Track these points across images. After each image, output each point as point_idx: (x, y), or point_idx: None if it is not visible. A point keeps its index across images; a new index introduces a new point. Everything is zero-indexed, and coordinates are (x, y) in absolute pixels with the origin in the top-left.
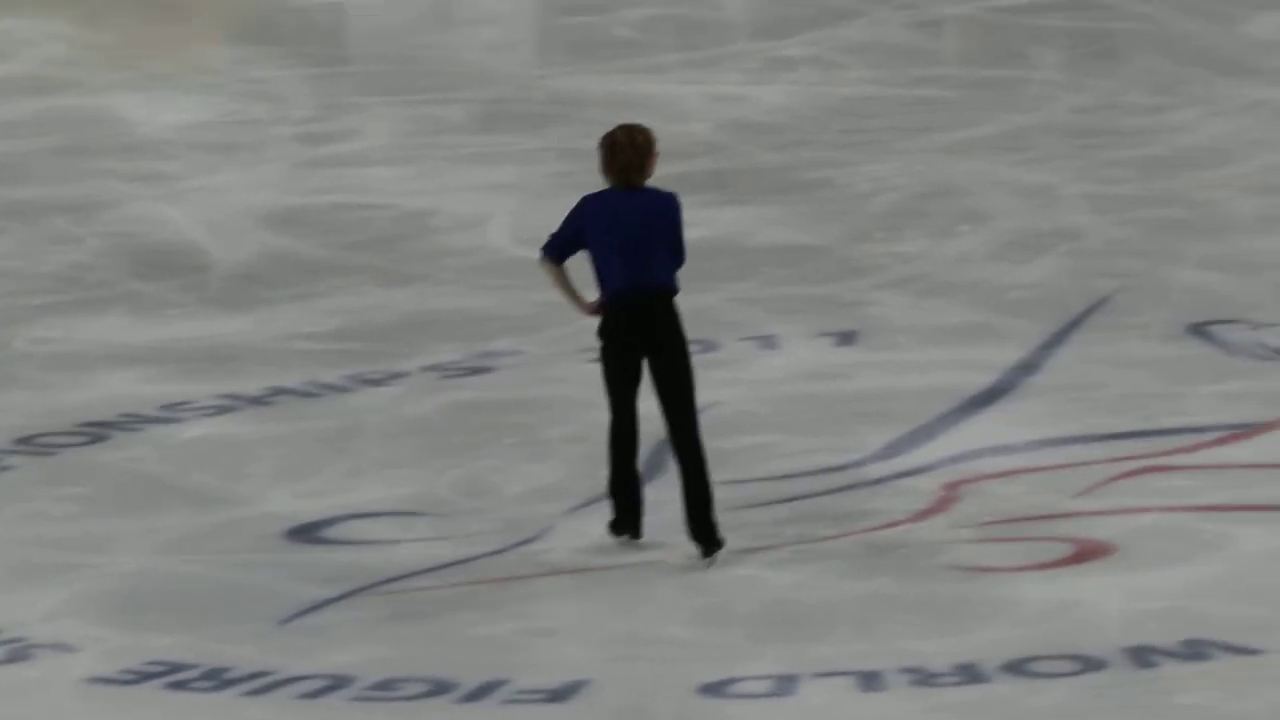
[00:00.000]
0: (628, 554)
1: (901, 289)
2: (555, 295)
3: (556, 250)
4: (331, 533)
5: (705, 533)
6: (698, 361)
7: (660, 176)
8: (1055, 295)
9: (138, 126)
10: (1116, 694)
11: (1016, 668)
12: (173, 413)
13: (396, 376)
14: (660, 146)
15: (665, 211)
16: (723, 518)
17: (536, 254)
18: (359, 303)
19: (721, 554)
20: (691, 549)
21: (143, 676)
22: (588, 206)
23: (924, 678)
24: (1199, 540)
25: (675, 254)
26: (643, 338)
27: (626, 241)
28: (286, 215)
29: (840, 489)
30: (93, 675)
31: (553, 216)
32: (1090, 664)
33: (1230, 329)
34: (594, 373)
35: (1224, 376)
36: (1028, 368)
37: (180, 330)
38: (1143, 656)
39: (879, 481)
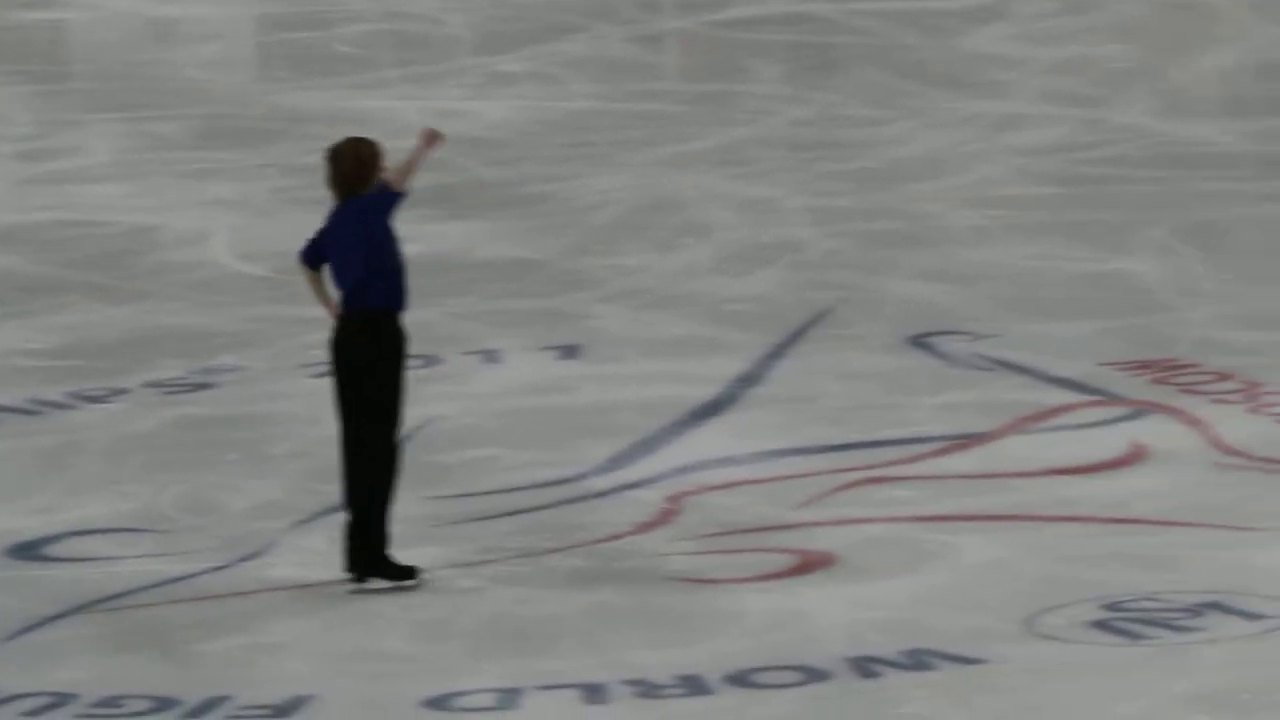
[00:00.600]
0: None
1: (623, 302)
2: (290, 308)
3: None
4: (54, 550)
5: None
6: (420, 376)
7: None
8: (776, 308)
9: None
10: (840, 704)
11: (740, 679)
12: None
13: (118, 393)
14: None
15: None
16: (445, 532)
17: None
18: (80, 319)
19: (445, 569)
20: (415, 563)
21: None
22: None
23: (648, 689)
24: (921, 550)
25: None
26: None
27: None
28: (5, 232)
29: (563, 502)
30: None
31: (274, 232)
32: (814, 674)
33: (949, 340)
34: (317, 388)
35: (944, 387)
36: (750, 380)
37: None
38: (866, 667)
39: (602, 494)
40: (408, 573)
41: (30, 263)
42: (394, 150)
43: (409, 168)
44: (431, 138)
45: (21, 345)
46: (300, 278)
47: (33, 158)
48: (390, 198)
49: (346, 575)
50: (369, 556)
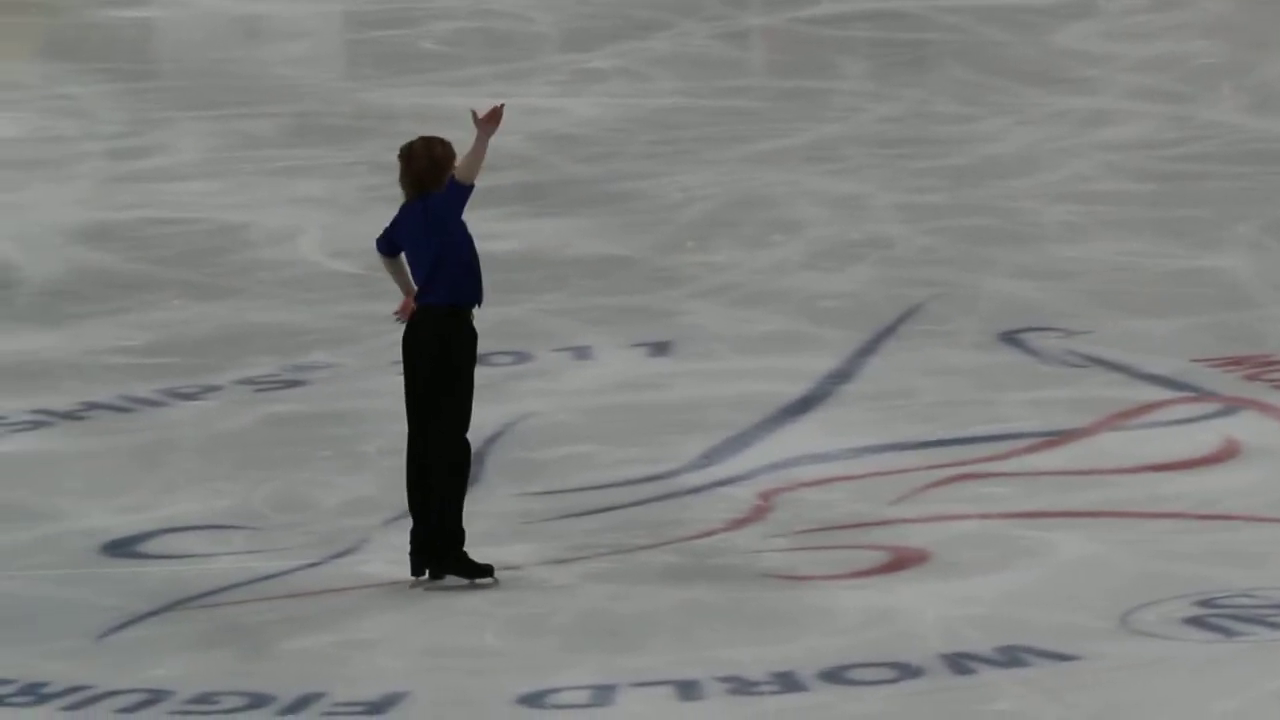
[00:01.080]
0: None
1: (714, 298)
2: (380, 305)
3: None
4: (147, 547)
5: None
6: (512, 373)
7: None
8: (867, 304)
9: None
10: (934, 701)
11: (834, 675)
12: None
13: (210, 390)
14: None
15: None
16: (538, 528)
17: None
18: (171, 317)
19: (538, 565)
20: (510, 561)
21: None
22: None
23: (742, 686)
24: (1015, 547)
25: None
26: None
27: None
28: (96, 230)
29: (656, 498)
30: None
31: (364, 230)
32: (908, 671)
33: (1041, 336)
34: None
35: (1036, 384)
36: (841, 376)
37: None
38: (960, 663)
39: (695, 491)
40: (485, 570)
41: (121, 260)
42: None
43: (474, 157)
44: (489, 118)
45: (113, 343)
46: (385, 273)
47: (122, 156)
48: (459, 192)
49: (415, 580)
50: (445, 555)
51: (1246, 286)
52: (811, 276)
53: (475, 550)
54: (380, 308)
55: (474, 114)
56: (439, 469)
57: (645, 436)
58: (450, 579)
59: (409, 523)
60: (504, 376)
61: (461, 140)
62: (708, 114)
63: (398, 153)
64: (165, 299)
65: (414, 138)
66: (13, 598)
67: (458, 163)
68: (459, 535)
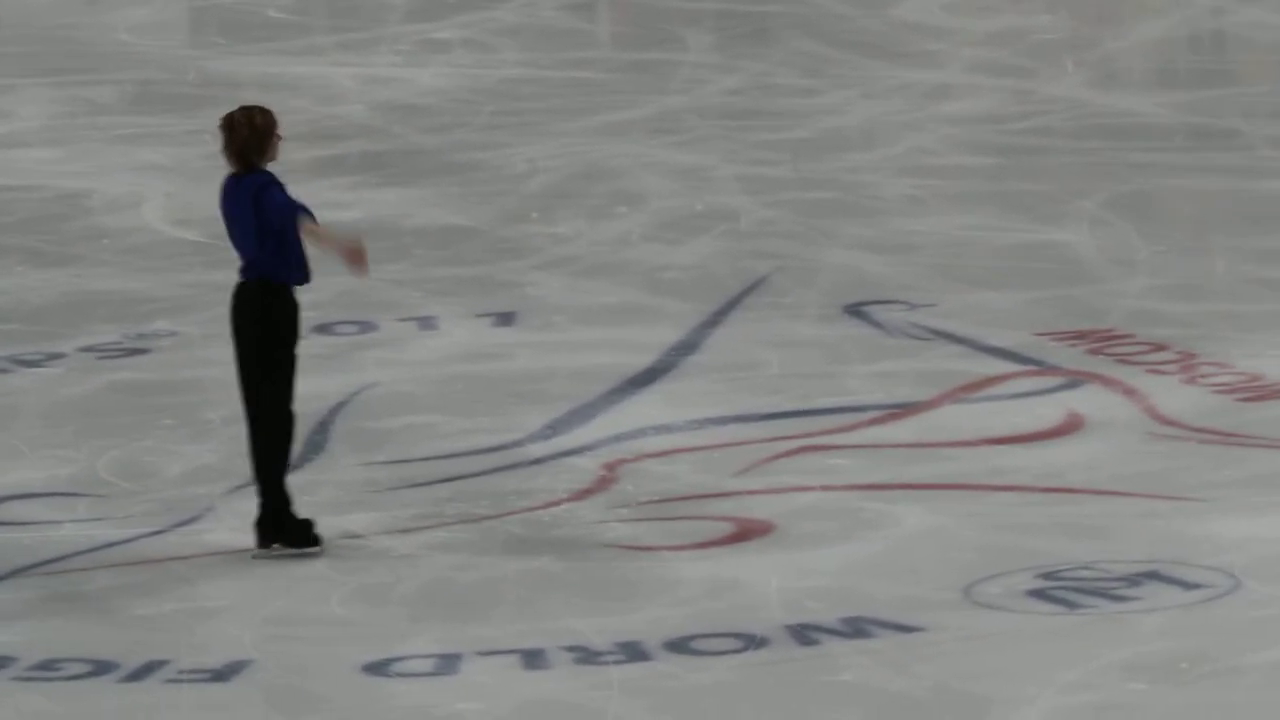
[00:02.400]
0: None
1: (558, 270)
2: (223, 274)
3: None
4: None
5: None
6: (356, 342)
7: (315, 158)
8: (712, 276)
9: None
10: (779, 671)
11: (679, 645)
12: None
13: (53, 357)
14: (297, 130)
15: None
16: (382, 498)
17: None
18: (13, 283)
19: (382, 534)
20: (354, 530)
21: None
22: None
23: (587, 655)
24: (858, 519)
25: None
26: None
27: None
28: None
29: (500, 468)
30: None
31: (207, 198)
32: (752, 642)
33: (885, 309)
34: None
35: (881, 356)
36: (686, 348)
37: None
38: (804, 634)
39: (539, 461)
40: (314, 540)
41: None
42: (321, 117)
43: (323, 240)
44: (355, 258)
45: None
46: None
47: None
48: (282, 197)
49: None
50: (273, 523)
51: (1089, 261)
52: (655, 248)
53: (320, 520)
54: (224, 276)
55: (351, 251)
56: (260, 440)
57: (489, 407)
58: (278, 548)
59: (253, 491)
60: (348, 346)
61: (298, 109)
62: (552, 85)
63: (219, 123)
64: (8, 265)
65: (235, 108)
66: None
67: (315, 226)
68: (285, 503)
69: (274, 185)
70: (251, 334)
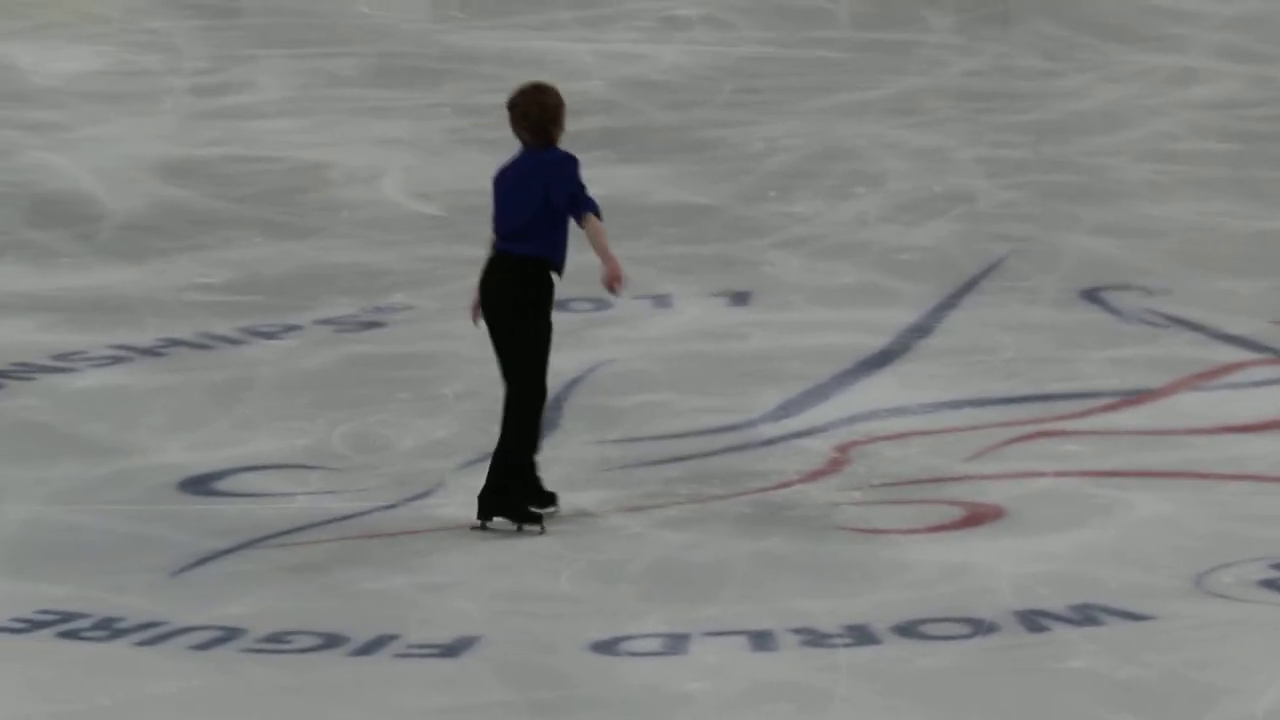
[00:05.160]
0: None
1: (795, 249)
2: (461, 248)
3: None
4: (224, 485)
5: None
6: (591, 319)
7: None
8: (948, 258)
9: (28, 75)
10: (1007, 657)
11: (907, 630)
12: (65, 362)
13: (290, 329)
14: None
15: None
16: (614, 475)
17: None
18: (252, 255)
19: (614, 512)
20: (586, 507)
21: (33, 625)
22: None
23: (815, 638)
24: (1090, 505)
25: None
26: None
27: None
28: (178, 166)
29: (732, 449)
30: None
31: (447, 172)
32: (981, 627)
33: (1122, 295)
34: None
35: (1116, 342)
36: (921, 330)
37: (72, 280)
38: (1033, 620)
39: (771, 442)
40: (534, 518)
41: (202, 197)
42: (561, 93)
43: (601, 244)
44: (615, 280)
45: (194, 280)
46: (470, 218)
47: (206, 92)
48: (579, 183)
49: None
50: (506, 498)
51: None
52: (892, 229)
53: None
54: (461, 251)
55: (613, 276)
56: (506, 410)
57: (722, 386)
58: (498, 521)
59: (485, 466)
60: (583, 323)
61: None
62: (792, 64)
63: (510, 100)
64: (246, 237)
65: (525, 84)
66: (89, 532)
67: (601, 227)
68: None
69: (575, 164)
70: (506, 308)
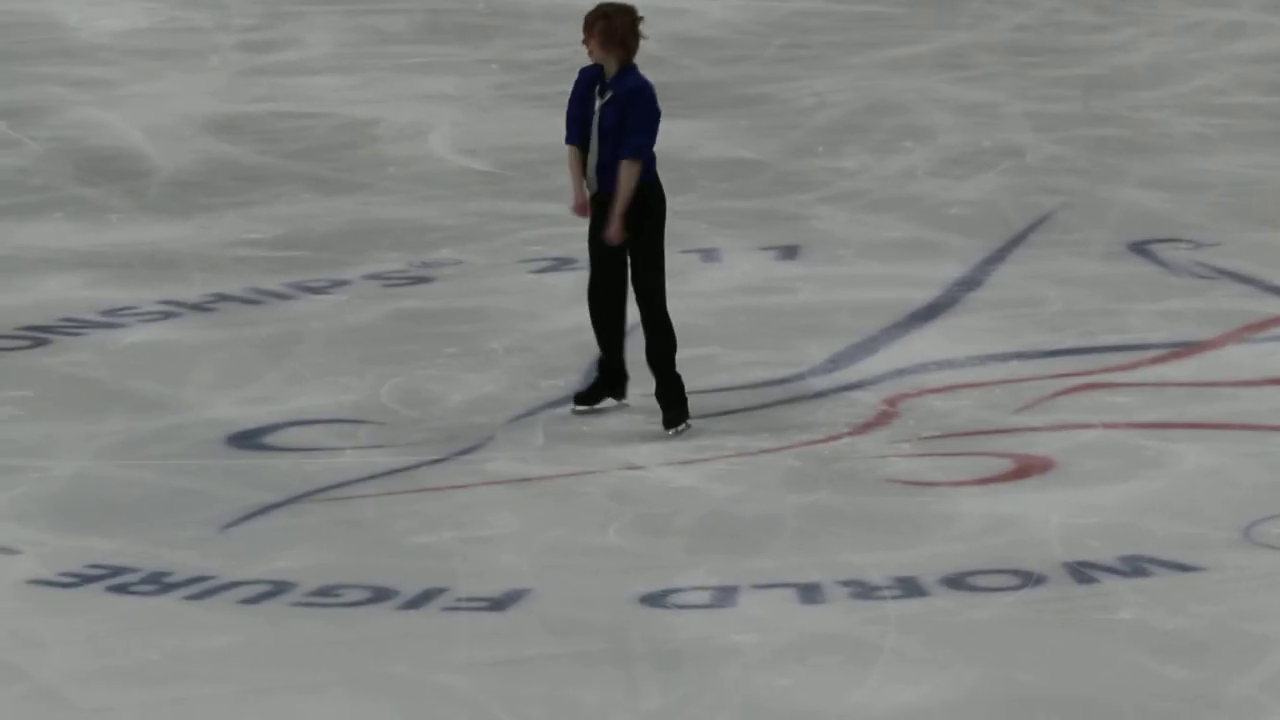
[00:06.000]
0: (567, 464)
1: (843, 204)
2: (509, 203)
3: None
4: (273, 439)
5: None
6: None
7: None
8: (996, 212)
9: (77, 32)
10: (1056, 608)
11: (956, 581)
12: (114, 318)
13: (338, 284)
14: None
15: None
16: (663, 429)
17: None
18: (301, 210)
19: (662, 465)
20: (635, 461)
21: (83, 579)
22: None
23: (863, 590)
24: (1139, 457)
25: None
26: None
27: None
28: (226, 122)
29: (781, 402)
30: (33, 577)
31: (495, 127)
32: (1030, 579)
33: (1171, 248)
34: (535, 283)
35: (1164, 295)
36: (969, 283)
37: (121, 235)
38: (1082, 572)
39: (820, 395)
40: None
41: (251, 153)
42: None
43: (622, 194)
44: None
45: (242, 235)
46: (518, 173)
47: (254, 48)
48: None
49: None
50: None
51: None
52: (941, 184)
53: (601, 451)
54: (509, 206)
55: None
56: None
57: (771, 339)
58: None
59: (534, 421)
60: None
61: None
62: (841, 19)
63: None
64: (294, 193)
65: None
66: (137, 486)
67: (635, 173)
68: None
69: (650, 97)
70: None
